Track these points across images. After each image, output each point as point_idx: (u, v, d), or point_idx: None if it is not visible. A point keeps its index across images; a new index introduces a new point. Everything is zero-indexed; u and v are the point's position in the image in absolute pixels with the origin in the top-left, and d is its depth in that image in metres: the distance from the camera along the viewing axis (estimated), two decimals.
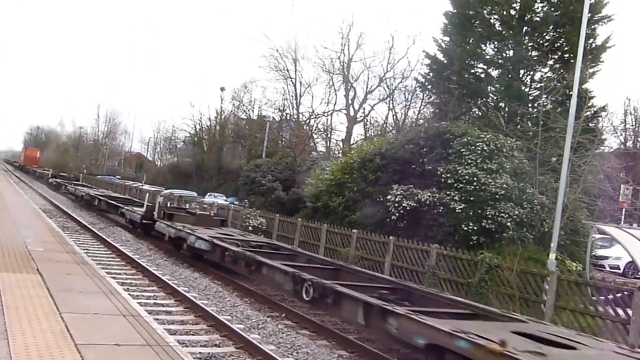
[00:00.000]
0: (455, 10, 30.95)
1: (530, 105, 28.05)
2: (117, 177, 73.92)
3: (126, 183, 58.45)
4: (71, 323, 6.39)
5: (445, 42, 31.70)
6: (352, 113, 50.59)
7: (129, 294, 9.02)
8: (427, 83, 35.22)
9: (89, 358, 5.33)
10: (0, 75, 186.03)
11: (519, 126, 25.66)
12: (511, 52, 29.48)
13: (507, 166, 20.44)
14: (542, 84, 27.45)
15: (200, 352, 8.06)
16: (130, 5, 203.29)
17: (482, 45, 30.10)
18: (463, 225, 18.81)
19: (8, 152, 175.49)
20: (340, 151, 45.95)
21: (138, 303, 8.41)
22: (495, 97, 29.84)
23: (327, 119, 53.34)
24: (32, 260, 10.12)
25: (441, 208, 19.62)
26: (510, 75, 28.59)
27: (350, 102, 50.96)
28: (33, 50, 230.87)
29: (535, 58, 28.96)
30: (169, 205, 23.59)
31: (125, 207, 24.27)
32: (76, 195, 36.53)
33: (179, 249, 17.39)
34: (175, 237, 17.11)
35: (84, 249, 13.86)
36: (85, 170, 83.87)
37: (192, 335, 9.17)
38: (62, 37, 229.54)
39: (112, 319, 6.94)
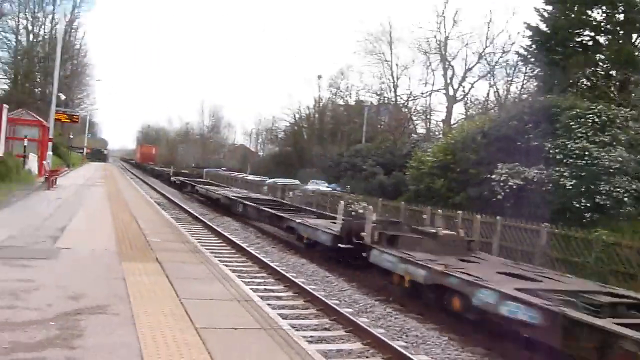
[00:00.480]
0: None
1: None
2: (223, 168, 76.63)
3: (231, 174, 60.49)
4: (190, 308, 6.73)
5: (548, 12, 30.16)
6: (451, 92, 49.53)
7: (241, 280, 9.36)
8: (529, 56, 33.71)
9: (209, 341, 5.60)
10: (113, 79, 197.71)
11: (632, 95, 24.04)
12: (621, 16, 27.59)
13: (622, 138, 19.31)
14: None
15: (311, 336, 8.25)
16: (227, 2, 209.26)
17: (589, 12, 28.38)
18: (574, 203, 18.01)
19: (122, 151, 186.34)
20: (441, 132, 45.10)
21: (250, 289, 8.71)
22: (604, 66, 28.11)
23: (425, 100, 52.60)
24: (151, 250, 10.74)
25: (550, 185, 18.86)
26: (621, 41, 26.80)
27: (448, 81, 49.90)
28: (141, 52, 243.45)
29: None
30: (384, 219, 15.64)
31: (297, 220, 17.31)
32: (209, 198, 30.15)
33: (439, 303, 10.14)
34: (431, 284, 10.06)
35: (196, 239, 14.51)
36: (193, 164, 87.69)
37: (303, 319, 9.40)
38: (166, 38, 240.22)
39: (227, 304, 7.25)
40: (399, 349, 7.97)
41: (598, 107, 19.95)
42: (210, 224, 20.73)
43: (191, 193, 35.68)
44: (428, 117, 52.32)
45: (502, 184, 20.06)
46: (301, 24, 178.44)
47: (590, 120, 19.49)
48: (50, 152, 32.23)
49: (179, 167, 74.04)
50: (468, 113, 46.58)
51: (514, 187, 19.68)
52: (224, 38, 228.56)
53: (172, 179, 45.09)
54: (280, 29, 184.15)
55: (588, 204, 17.94)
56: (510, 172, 19.95)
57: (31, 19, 50.18)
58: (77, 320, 5.94)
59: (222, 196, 27.32)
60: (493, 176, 20.50)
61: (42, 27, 52.35)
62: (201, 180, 43.69)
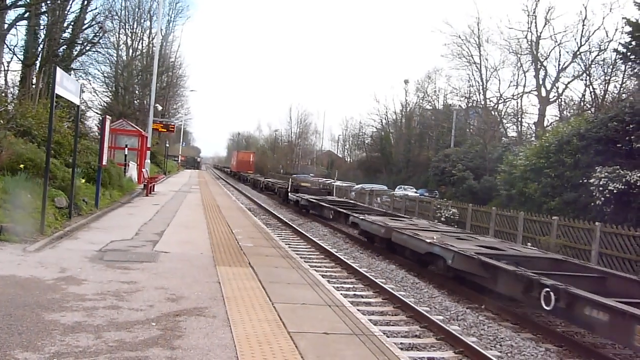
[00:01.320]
0: None
1: None
2: (311, 175, 77.57)
3: (319, 180, 61.12)
4: (283, 312, 6.86)
5: None
6: (543, 94, 47.69)
7: (332, 286, 9.43)
8: (629, 53, 31.94)
9: (301, 345, 5.68)
10: (205, 88, 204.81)
11: None
12: None
13: None
14: None
15: (401, 343, 8.19)
16: (314, 9, 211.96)
17: None
18: None
19: (215, 158, 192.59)
20: (533, 135, 43.54)
21: (340, 294, 8.76)
22: None
23: (516, 103, 50.93)
24: (244, 255, 11.03)
25: None
26: None
27: (541, 82, 48.09)
28: (230, 62, 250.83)
29: None
30: None
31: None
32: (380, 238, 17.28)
33: None
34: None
35: (286, 244, 14.75)
36: (282, 170, 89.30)
37: (393, 325, 9.34)
38: (253, 46, 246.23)
39: (319, 309, 7.33)
40: (492, 358, 7.76)
41: None
42: (299, 229, 21.02)
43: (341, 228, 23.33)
44: (519, 119, 50.63)
45: (601, 188, 19.12)
46: (387, 28, 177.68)
47: None
48: (148, 161, 33.85)
49: (268, 173, 75.68)
50: (562, 115, 44.69)
51: (615, 191, 18.70)
52: (312, 44, 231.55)
53: (291, 196, 31.39)
54: (366, 33, 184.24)
55: None
56: (610, 176, 18.98)
57: (130, 35, 52.97)
58: (177, 321, 6.19)
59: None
60: (591, 180, 19.58)
61: (140, 41, 55.15)
62: (340, 201, 29.33)
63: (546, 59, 48.45)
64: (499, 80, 67.26)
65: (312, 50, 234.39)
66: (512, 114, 51.45)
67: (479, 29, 53.36)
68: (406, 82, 71.55)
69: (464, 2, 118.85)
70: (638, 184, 18.20)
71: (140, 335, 5.62)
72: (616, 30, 41.45)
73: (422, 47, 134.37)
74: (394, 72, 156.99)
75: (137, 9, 53.19)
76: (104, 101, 47.72)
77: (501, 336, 9.30)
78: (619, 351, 8.94)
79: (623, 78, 38.57)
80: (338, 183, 55.58)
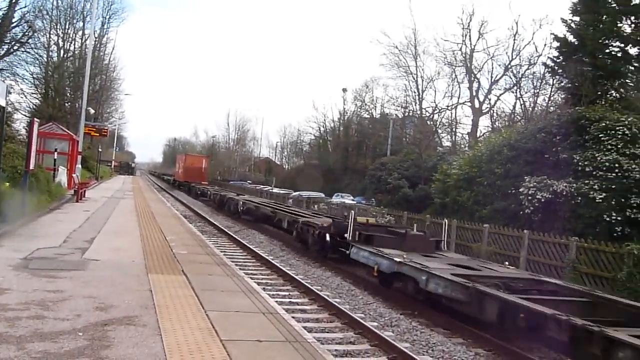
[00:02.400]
0: None
1: None
2: (249, 182, 77.09)
3: (257, 187, 60.82)
4: (216, 320, 6.75)
5: (576, 23, 29.94)
6: (477, 105, 49.21)
7: (267, 293, 9.36)
8: (557, 67, 33.48)
9: (234, 353, 5.61)
10: (140, 93, 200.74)
11: None
12: None
13: None
14: None
15: (336, 350, 8.21)
16: (252, 16, 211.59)
17: (618, 22, 28.04)
18: (605, 216, 17.69)
19: (150, 164, 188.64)
20: (467, 145, 44.78)
21: (275, 302, 8.70)
22: (635, 77, 27.71)
23: (451, 113, 52.33)
24: (178, 262, 10.82)
25: (579, 199, 18.57)
26: None
27: (474, 93, 49.62)
28: (165, 66, 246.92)
29: None
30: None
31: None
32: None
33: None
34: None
35: (222, 251, 14.57)
36: (219, 177, 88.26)
37: (328, 332, 9.36)
38: (190, 51, 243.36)
39: (253, 317, 7.26)
40: None
41: (628, 119, 19.62)
42: (236, 237, 20.82)
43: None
44: (454, 130, 52.05)
45: (529, 197, 19.81)
46: (326, 36, 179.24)
47: (620, 132, 19.17)
48: (79, 165, 32.82)
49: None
50: (494, 126, 46.20)
51: (542, 200, 19.41)
52: (249, 52, 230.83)
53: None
54: (306, 41, 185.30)
55: (619, 218, 17.60)
56: (538, 186, 19.69)
57: (62, 35, 51.21)
58: (105, 330, 6.00)
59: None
60: (520, 189, 20.26)
61: (73, 42, 53.41)
62: None
63: (479, 71, 50.08)
64: (435, 90, 68.67)
65: (251, 56, 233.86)
66: (446, 124, 52.85)
67: (415, 40, 54.58)
68: (344, 90, 72.29)
69: (401, 13, 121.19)
70: (564, 194, 18.94)
71: (65, 346, 5.41)
72: (545, 45, 43.27)
73: (361, 56, 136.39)
74: (332, 80, 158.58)
75: (69, 9, 51.55)
76: (33, 103, 45.87)
77: (433, 341, 9.46)
78: (545, 354, 9.25)
79: (551, 91, 40.34)
80: (276, 190, 55.45)
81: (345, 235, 15.03)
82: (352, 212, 17.79)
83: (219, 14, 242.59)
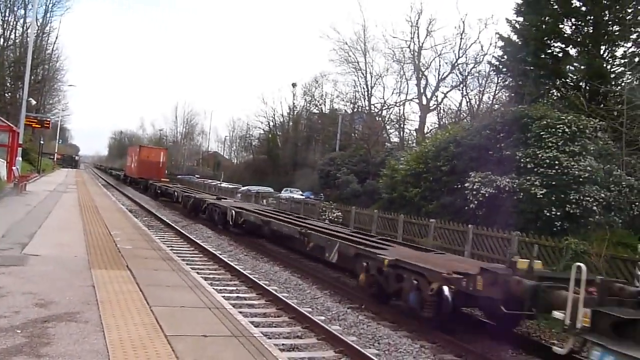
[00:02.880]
0: None
1: (613, 83, 26.76)
2: (197, 176, 76.10)
3: (205, 181, 60.13)
4: (160, 316, 6.66)
5: (520, 23, 30.75)
6: (424, 102, 49.97)
7: (213, 288, 9.29)
8: (501, 66, 34.31)
9: (178, 348, 5.55)
10: (85, 84, 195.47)
11: (602, 105, 24.51)
12: (591, 29, 28.18)
13: (591, 148, 19.66)
14: (626, 60, 26.13)
15: (283, 344, 8.21)
16: (202, 8, 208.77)
17: (559, 24, 28.94)
18: (545, 211, 18.25)
19: (95, 157, 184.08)
20: (414, 141, 45.46)
21: (222, 296, 8.64)
22: (575, 77, 28.67)
23: (399, 109, 53.01)
24: (122, 257, 10.61)
25: (521, 194, 19.09)
26: (590, 53, 27.36)
27: (422, 90, 50.38)
28: (112, 57, 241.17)
29: (617, 33, 27.58)
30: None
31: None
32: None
33: None
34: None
35: (168, 246, 14.37)
36: (166, 171, 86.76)
37: (275, 327, 9.36)
38: (137, 42, 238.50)
39: (199, 312, 7.19)
40: (371, 356, 7.97)
41: (568, 118, 20.27)
42: (183, 231, 20.55)
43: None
44: (402, 126, 52.73)
45: (474, 192, 20.24)
46: (276, 30, 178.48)
47: (560, 130, 19.79)
48: (19, 158, 31.70)
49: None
50: (441, 122, 47.06)
51: (486, 195, 19.87)
52: (198, 44, 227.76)
53: None
54: (255, 34, 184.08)
55: (559, 213, 18.19)
56: (483, 181, 20.15)
57: (1, 23, 49.37)
58: (45, 327, 5.84)
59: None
60: (466, 185, 20.69)
61: (14, 31, 51.61)
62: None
63: (427, 68, 50.86)
64: (384, 87, 69.71)
65: (200, 48, 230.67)
66: (395, 120, 53.49)
67: (364, 37, 55.00)
68: (294, 85, 72.17)
69: (351, 9, 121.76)
70: (507, 189, 19.44)
71: (2, 344, 5.25)
72: (490, 44, 44.30)
73: (310, 51, 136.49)
74: (282, 74, 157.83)
75: None
76: None
77: (379, 335, 9.58)
78: (489, 346, 9.49)
79: (496, 89, 41.35)
80: (224, 185, 54.96)
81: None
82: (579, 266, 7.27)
83: (169, 5, 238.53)
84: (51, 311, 6.48)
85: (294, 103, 72.68)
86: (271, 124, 76.77)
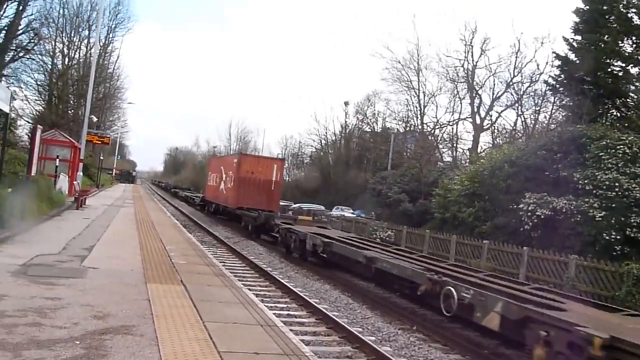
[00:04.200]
0: (587, 7, 29.32)
1: None
2: None
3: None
4: (214, 331, 6.74)
5: (577, 42, 30.13)
6: (478, 121, 49.30)
7: (265, 305, 9.34)
8: (558, 85, 33.62)
9: None
10: (143, 101, 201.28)
11: None
12: None
13: None
14: None
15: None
16: (256, 28, 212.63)
17: (619, 42, 28.19)
18: (604, 235, 17.68)
19: (151, 172, 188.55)
20: (467, 160, 44.84)
21: (273, 314, 8.68)
22: (636, 96, 27.80)
23: (452, 129, 52.38)
24: (176, 272, 10.80)
25: (579, 216, 18.57)
26: None
27: (476, 109, 49.72)
28: (167, 75, 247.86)
29: None
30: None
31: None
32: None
33: None
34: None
35: (220, 262, 14.55)
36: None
37: (326, 346, 9.33)
38: (192, 61, 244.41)
39: (251, 328, 7.24)
40: None
41: (629, 138, 19.67)
42: (235, 247, 20.80)
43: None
44: (454, 145, 52.08)
45: (529, 213, 19.81)
46: (328, 49, 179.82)
47: (620, 151, 19.22)
48: (80, 173, 32.83)
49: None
50: (495, 142, 46.27)
51: (542, 217, 19.42)
52: (251, 62, 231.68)
53: None
54: (307, 53, 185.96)
55: (618, 237, 17.60)
56: (538, 202, 19.71)
57: (67, 43, 51.48)
58: (102, 339, 5.98)
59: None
60: (520, 206, 20.27)
61: (78, 50, 53.69)
62: None
63: (481, 87, 50.19)
64: (437, 106, 69.16)
65: (254, 67, 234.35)
66: (447, 139, 52.89)
67: (418, 55, 54.71)
68: (346, 104, 72.45)
69: (404, 27, 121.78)
70: (564, 211, 18.94)
71: (62, 354, 5.39)
72: (547, 63, 43.26)
73: (362, 70, 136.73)
74: (334, 93, 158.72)
75: (75, 17, 51.85)
76: (37, 110, 46.13)
77: (431, 357, 9.44)
78: None
79: (552, 109, 40.42)
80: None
81: None
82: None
83: (223, 25, 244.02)
84: (108, 323, 6.64)
85: (346, 121, 72.97)
86: (323, 142, 77.20)
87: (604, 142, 19.84)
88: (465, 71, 50.13)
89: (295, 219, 26.31)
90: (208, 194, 41.24)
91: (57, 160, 27.32)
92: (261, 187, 30.11)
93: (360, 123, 71.31)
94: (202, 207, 43.61)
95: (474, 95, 50.06)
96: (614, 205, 18.16)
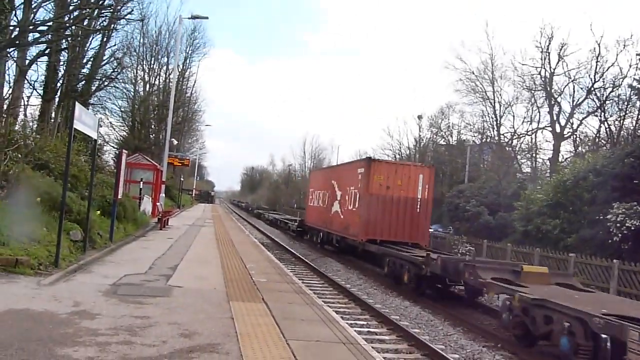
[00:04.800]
0: None
1: None
2: None
3: None
4: (297, 349, 6.77)
5: None
6: (558, 129, 47.56)
7: (346, 322, 9.31)
8: None
9: None
10: (217, 121, 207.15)
11: None
12: None
13: None
14: None
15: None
16: (326, 43, 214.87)
17: None
18: None
19: (228, 192, 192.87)
20: (548, 171, 43.29)
21: (355, 331, 8.64)
22: None
23: (530, 138, 50.78)
24: (258, 290, 10.95)
25: None
26: None
27: (555, 118, 48.00)
28: (243, 96, 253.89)
29: None
30: None
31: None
32: None
33: None
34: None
35: (300, 279, 14.65)
36: (295, 205, 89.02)
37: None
38: (266, 81, 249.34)
39: (333, 346, 7.23)
40: None
41: None
42: (312, 264, 20.90)
43: None
44: (533, 155, 50.43)
45: (618, 224, 18.90)
46: (399, 63, 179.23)
47: None
48: (162, 194, 33.99)
49: (279, 207, 74.53)
50: (577, 151, 44.47)
51: (632, 228, 18.47)
52: (323, 79, 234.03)
53: None
54: (378, 67, 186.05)
55: None
56: (627, 213, 18.78)
57: (147, 70, 53.75)
58: (190, 357, 6.12)
59: None
60: (608, 217, 19.37)
61: (157, 77, 55.91)
62: None
63: (560, 94, 48.45)
64: (513, 115, 67.00)
65: (325, 82, 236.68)
66: (526, 149, 51.31)
67: (492, 65, 53.58)
68: (420, 117, 71.70)
69: (476, 38, 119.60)
70: None
71: None
72: (630, 66, 41.22)
73: (435, 82, 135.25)
74: (406, 107, 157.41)
75: (154, 46, 54.04)
76: (121, 135, 48.29)
77: None
78: None
79: (638, 114, 38.45)
80: None
81: None
82: None
83: (291, 41, 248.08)
84: (195, 341, 6.80)
85: (420, 135, 72.21)
86: (397, 156, 76.68)
87: None
88: (543, 79, 48.61)
89: (516, 270, 13.10)
90: (311, 218, 32.18)
91: (141, 182, 28.44)
92: (401, 208, 21.42)
93: (434, 136, 70.44)
94: (300, 233, 35.32)
95: (552, 103, 48.41)
96: None
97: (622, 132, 39.88)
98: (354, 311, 13.24)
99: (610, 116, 42.51)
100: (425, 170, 22.49)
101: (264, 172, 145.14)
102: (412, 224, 21.40)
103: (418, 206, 21.54)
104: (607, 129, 42.35)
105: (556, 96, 48.23)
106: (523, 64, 54.45)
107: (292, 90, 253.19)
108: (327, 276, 18.23)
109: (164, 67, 55.88)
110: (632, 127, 38.66)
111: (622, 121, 40.51)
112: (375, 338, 10.62)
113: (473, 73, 54.68)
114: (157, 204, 30.54)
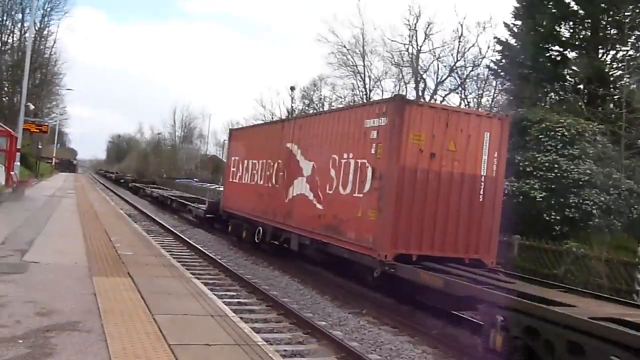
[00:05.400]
0: None
1: (612, 86, 26.75)
2: (195, 180, 75.90)
3: (204, 185, 59.98)
4: (163, 324, 6.64)
5: (517, 27, 30.79)
6: None
7: (215, 294, 9.27)
8: (499, 70, 34.31)
9: (182, 358, 5.53)
10: (81, 87, 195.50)
11: (600, 109, 24.50)
12: (589, 32, 28.22)
13: (590, 151, 19.61)
14: (624, 64, 26.15)
15: (285, 350, 8.20)
16: (198, 11, 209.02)
17: (557, 27, 28.97)
18: (545, 215, 18.21)
19: (93, 161, 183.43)
20: None
21: (223, 303, 8.63)
22: (573, 80, 28.66)
23: None
24: (123, 264, 10.59)
25: (521, 197, 19.07)
26: (589, 56, 27.38)
27: (420, 94, 50.21)
28: (108, 60, 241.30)
29: (616, 37, 27.61)
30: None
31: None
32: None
33: None
34: None
35: (168, 252, 14.34)
36: (164, 175, 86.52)
37: (277, 333, 9.34)
38: (134, 46, 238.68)
39: (201, 320, 7.17)
40: None
41: (567, 121, 20.24)
42: (182, 236, 20.53)
43: None
44: None
45: None
46: (272, 34, 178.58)
47: (559, 134, 19.76)
48: (18, 163, 31.64)
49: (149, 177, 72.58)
50: None
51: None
52: (195, 46, 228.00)
53: None
54: (251, 38, 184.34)
55: (558, 217, 18.15)
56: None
57: None
58: (47, 337, 5.82)
59: None
60: None
61: (11, 35, 51.57)
62: None
63: (426, 72, 50.65)
64: (382, 90, 69.14)
65: (197, 51, 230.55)
66: None
67: (363, 40, 54.73)
68: (292, 88, 71.86)
69: (349, 11, 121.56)
70: (505, 192, 19.45)
71: (4, 355, 5.22)
72: (488, 48, 43.87)
73: (308, 54, 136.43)
74: (279, 78, 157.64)
75: (7, 0, 49.68)
76: None
77: (381, 340, 9.56)
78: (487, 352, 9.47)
79: (494, 93, 41.28)
80: (222, 188, 54.71)
81: None
82: None
83: (163, 8, 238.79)
84: (53, 320, 6.46)
85: (292, 106, 72.63)
86: None
87: (544, 125, 20.33)
88: (410, 55, 50.57)
89: None
90: (233, 202, 21.09)
91: None
92: (454, 195, 11.71)
93: (306, 108, 71.18)
94: (209, 221, 25.02)
95: (418, 79, 50.59)
96: (553, 186, 18.67)
97: (479, 109, 42.69)
98: (224, 283, 13.20)
99: (470, 94, 45.33)
100: (494, 124, 12.57)
101: (131, 140, 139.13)
102: (470, 223, 11.86)
103: (481, 191, 12.15)
104: (467, 106, 45.09)
105: (422, 73, 50.43)
106: (392, 40, 56.13)
107: (162, 57, 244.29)
108: (197, 248, 17.98)
109: (19, 25, 51.64)
110: (488, 105, 41.47)
111: (480, 99, 43.33)
112: (244, 309, 10.65)
113: (345, 47, 55.56)
114: (12, 173, 28.42)
